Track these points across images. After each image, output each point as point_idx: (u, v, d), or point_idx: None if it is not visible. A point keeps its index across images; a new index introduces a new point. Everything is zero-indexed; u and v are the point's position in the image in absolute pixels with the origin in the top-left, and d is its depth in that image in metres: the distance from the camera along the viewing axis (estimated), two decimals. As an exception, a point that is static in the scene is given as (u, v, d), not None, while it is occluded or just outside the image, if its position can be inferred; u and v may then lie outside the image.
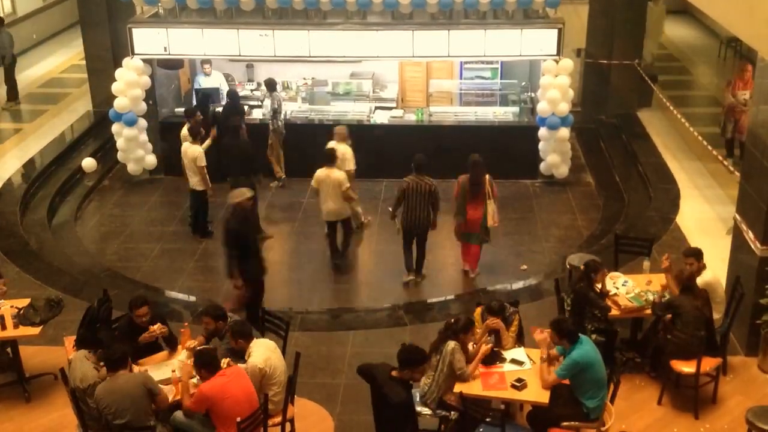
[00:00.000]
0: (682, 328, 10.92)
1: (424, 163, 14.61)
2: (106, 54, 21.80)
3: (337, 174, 15.41)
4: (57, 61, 27.67)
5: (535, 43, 17.82)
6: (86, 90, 23.06)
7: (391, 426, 9.45)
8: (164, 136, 19.17)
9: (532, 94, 19.24)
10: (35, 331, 11.43)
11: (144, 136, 18.81)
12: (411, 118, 19.24)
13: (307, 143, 18.51)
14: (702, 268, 11.60)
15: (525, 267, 15.55)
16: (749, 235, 11.90)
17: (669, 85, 23.42)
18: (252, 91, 20.28)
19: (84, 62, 23.17)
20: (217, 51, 18.54)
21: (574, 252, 14.54)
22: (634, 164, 19.19)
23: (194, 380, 10.18)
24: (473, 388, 10.09)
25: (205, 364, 9.58)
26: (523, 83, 19.89)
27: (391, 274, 15.54)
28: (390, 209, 15.19)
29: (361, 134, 17.70)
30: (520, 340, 11.05)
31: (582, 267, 11.76)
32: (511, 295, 13.67)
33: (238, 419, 9.14)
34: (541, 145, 18.37)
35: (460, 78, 20.16)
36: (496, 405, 10.38)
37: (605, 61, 21.41)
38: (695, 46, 28.62)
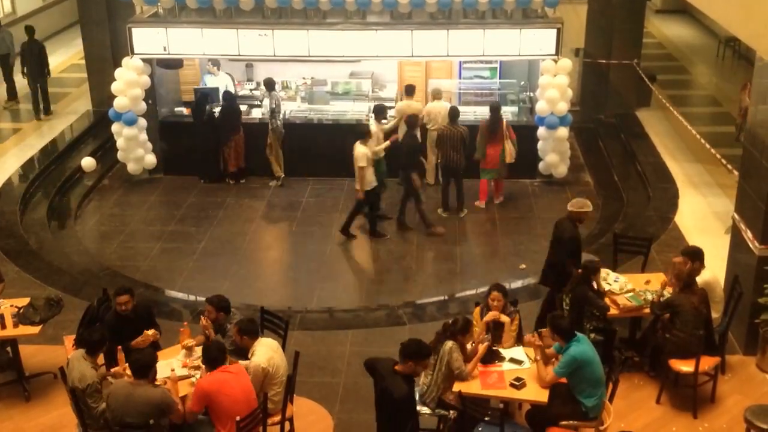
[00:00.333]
0: (681, 327, 10.93)
1: (457, 113, 17.17)
2: (105, 53, 21.82)
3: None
4: (57, 60, 27.63)
5: (534, 42, 17.83)
6: (86, 89, 23.08)
7: (392, 422, 9.41)
8: (164, 135, 19.19)
9: (531, 94, 19.26)
10: (35, 330, 11.44)
11: (144, 136, 18.82)
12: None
13: (306, 143, 18.57)
14: (700, 268, 11.61)
15: (524, 266, 15.57)
16: (748, 235, 11.92)
17: (668, 85, 23.47)
18: (251, 90, 20.31)
19: (84, 62, 23.19)
20: (216, 51, 18.55)
21: (573, 251, 14.55)
22: (633, 164, 19.21)
23: (192, 380, 10.23)
24: (472, 387, 10.11)
25: (211, 359, 9.59)
26: (522, 83, 19.92)
27: (390, 273, 15.58)
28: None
29: (359, 133, 17.67)
30: (519, 339, 11.06)
31: (581, 270, 11.76)
32: (510, 295, 13.67)
33: (237, 418, 9.16)
34: (539, 145, 18.39)
35: (459, 77, 20.18)
36: (494, 404, 10.39)
37: (604, 61, 21.45)
38: (694, 46, 28.65)
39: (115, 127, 18.69)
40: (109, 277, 15.10)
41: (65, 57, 27.96)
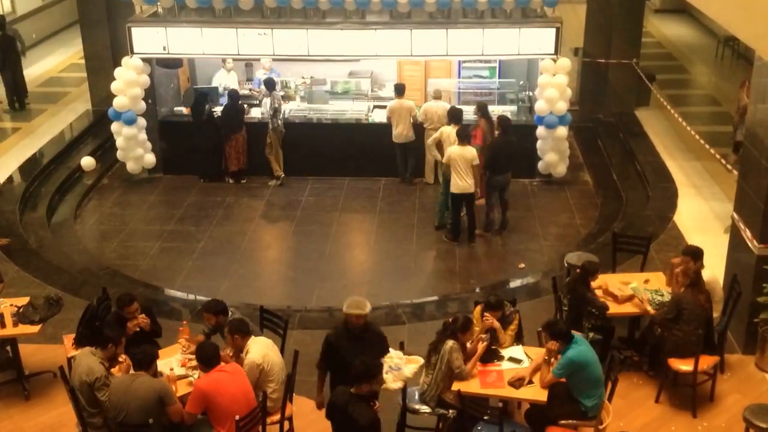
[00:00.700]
0: (682, 326, 10.94)
1: (460, 114, 16.84)
2: (105, 53, 21.84)
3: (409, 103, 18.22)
4: (56, 60, 27.69)
5: (533, 42, 17.84)
6: (85, 89, 23.07)
7: None
8: (163, 134, 19.21)
9: (530, 93, 19.26)
10: (35, 329, 11.45)
11: (143, 135, 18.83)
12: (409, 116, 19.25)
13: (305, 142, 18.58)
14: (700, 267, 11.62)
15: (523, 265, 15.58)
16: (747, 234, 11.93)
17: (667, 84, 23.46)
18: (251, 90, 20.31)
19: (83, 61, 23.18)
20: (216, 50, 18.55)
21: (572, 251, 14.55)
22: (632, 163, 19.22)
23: (191, 379, 10.24)
24: (471, 386, 10.12)
25: (206, 359, 9.60)
26: (521, 82, 19.93)
27: (389, 272, 15.59)
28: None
29: (359, 133, 17.73)
30: (519, 339, 11.06)
31: (578, 269, 11.77)
32: (509, 294, 13.69)
33: (237, 417, 9.16)
34: (539, 144, 18.40)
35: (459, 77, 20.19)
36: (494, 403, 10.40)
37: (603, 60, 21.44)
38: (693, 45, 28.66)
39: (114, 127, 18.70)
40: (109, 276, 15.12)
41: (65, 56, 27.94)
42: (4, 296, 12.06)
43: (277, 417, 10.05)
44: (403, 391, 10.36)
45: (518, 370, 10.38)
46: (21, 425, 11.14)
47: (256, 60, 20.16)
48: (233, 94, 18.67)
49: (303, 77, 20.32)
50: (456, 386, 10.05)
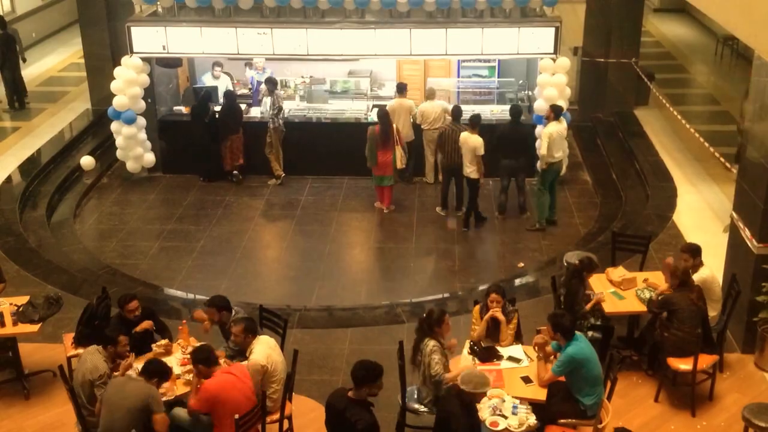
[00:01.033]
0: (678, 326, 10.95)
1: (460, 113, 17.26)
2: (105, 52, 21.83)
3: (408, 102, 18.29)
4: (56, 59, 27.70)
5: (533, 41, 17.86)
6: (85, 88, 23.08)
7: None
8: (163, 134, 19.22)
9: (530, 93, 19.28)
10: (34, 328, 11.46)
11: (143, 134, 18.85)
12: (409, 116, 19.26)
13: (305, 141, 18.59)
14: (698, 265, 11.64)
15: (522, 264, 15.60)
16: (746, 233, 11.94)
17: (666, 84, 23.47)
18: (250, 89, 20.31)
19: (83, 61, 23.20)
20: (215, 49, 18.55)
21: (571, 250, 14.56)
22: (632, 162, 19.22)
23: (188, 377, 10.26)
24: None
25: (202, 359, 9.60)
26: (521, 81, 19.94)
27: (388, 271, 15.60)
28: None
29: (358, 132, 17.72)
30: (518, 338, 11.09)
31: (578, 262, 11.81)
32: (508, 293, 13.69)
33: (236, 416, 9.17)
34: (538, 143, 18.38)
35: (458, 76, 20.21)
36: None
37: (602, 60, 21.45)
38: (692, 45, 28.68)
39: (114, 126, 18.71)
40: (109, 275, 15.12)
41: (65, 56, 27.95)
42: (4, 295, 12.06)
43: (276, 416, 10.06)
44: (402, 390, 10.39)
45: (519, 369, 10.41)
46: (21, 424, 11.15)
47: (254, 59, 20.17)
48: (230, 95, 18.66)
49: (302, 76, 20.32)
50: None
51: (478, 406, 9.46)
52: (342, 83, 20.00)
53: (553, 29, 17.73)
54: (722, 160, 16.15)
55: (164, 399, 9.80)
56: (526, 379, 10.23)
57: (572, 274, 11.70)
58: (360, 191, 18.37)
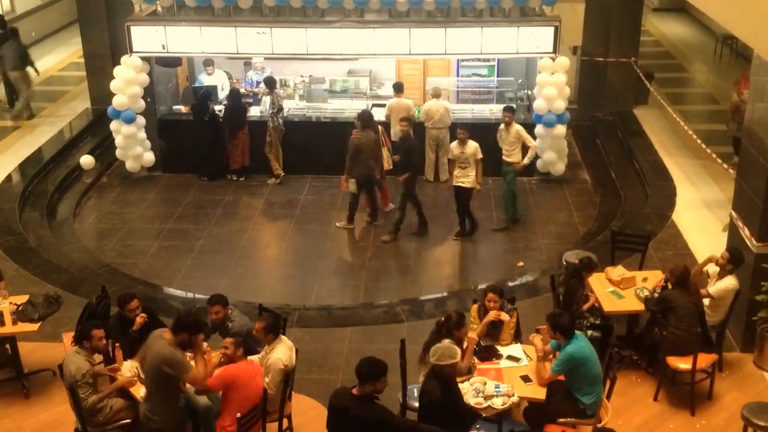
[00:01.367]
0: (676, 324, 10.96)
1: (370, 118, 16.81)
2: (104, 52, 21.81)
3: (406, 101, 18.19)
4: (56, 58, 27.70)
5: (532, 40, 17.87)
6: (85, 87, 23.08)
7: None
8: (162, 133, 19.22)
9: (529, 92, 19.29)
10: (34, 327, 11.47)
11: (142, 134, 18.86)
12: (408, 115, 19.26)
13: (304, 140, 18.60)
14: (733, 271, 11.57)
15: (521, 264, 15.60)
16: (745, 232, 11.95)
17: (665, 83, 23.49)
18: (248, 91, 20.31)
19: (83, 60, 23.19)
20: (215, 49, 18.56)
21: (570, 249, 14.57)
22: (631, 161, 19.23)
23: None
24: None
25: (187, 326, 9.54)
26: (520, 81, 19.95)
27: (387, 270, 15.61)
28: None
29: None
30: (517, 337, 11.10)
31: (577, 261, 11.82)
32: (507, 293, 13.70)
33: (238, 415, 9.21)
34: (537, 143, 18.40)
35: (457, 75, 20.23)
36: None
37: (601, 59, 21.46)
38: (691, 44, 28.69)
39: (113, 125, 18.73)
40: (108, 274, 15.13)
41: (64, 55, 27.95)
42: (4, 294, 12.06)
43: (276, 415, 10.05)
44: (403, 389, 10.40)
45: (518, 368, 10.43)
46: (20, 423, 11.15)
47: (253, 59, 20.18)
48: (235, 93, 18.69)
49: (302, 76, 20.34)
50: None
51: (463, 391, 9.64)
52: (341, 82, 20.01)
53: (552, 28, 17.74)
54: (719, 161, 16.13)
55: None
56: (526, 378, 10.24)
57: (571, 274, 11.72)
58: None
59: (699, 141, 17.21)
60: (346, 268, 16.05)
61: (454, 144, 16.01)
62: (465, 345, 10.31)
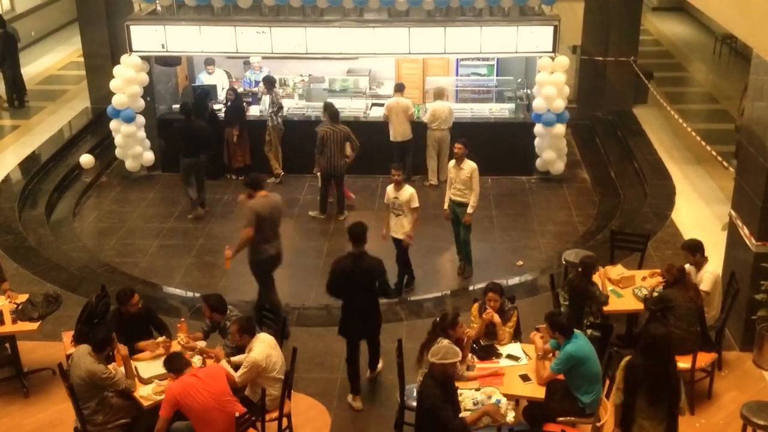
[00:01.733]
0: (676, 323, 10.96)
1: (337, 113, 17.15)
2: (104, 51, 21.86)
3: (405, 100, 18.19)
4: (55, 58, 27.72)
5: (531, 40, 17.88)
6: (84, 87, 23.11)
7: None
8: (162, 132, 19.23)
9: (528, 91, 19.31)
10: (33, 326, 11.48)
11: (142, 133, 18.87)
12: (407, 114, 19.26)
13: (303, 140, 18.57)
14: (701, 262, 11.63)
15: (521, 263, 15.61)
16: (744, 231, 11.95)
17: (664, 82, 23.50)
18: (245, 91, 20.31)
19: (82, 59, 23.23)
20: (214, 48, 18.57)
21: (570, 248, 14.59)
22: (630, 160, 19.25)
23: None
24: (470, 383, 10.13)
25: (174, 369, 9.59)
26: (519, 80, 19.96)
27: (388, 269, 15.52)
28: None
29: (357, 130, 17.75)
30: (517, 336, 11.09)
31: (580, 266, 11.77)
32: (507, 291, 13.70)
33: (237, 414, 9.20)
34: (536, 142, 18.44)
35: (456, 75, 20.24)
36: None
37: (601, 58, 21.49)
38: (690, 43, 28.70)
39: (113, 124, 18.74)
40: (108, 273, 15.13)
41: (64, 54, 27.96)
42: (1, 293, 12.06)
43: (275, 414, 10.06)
44: (401, 388, 10.40)
45: (518, 367, 10.43)
46: (20, 422, 11.16)
47: (251, 59, 20.18)
48: (233, 93, 18.69)
49: (301, 75, 20.36)
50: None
51: (462, 399, 9.54)
52: (341, 82, 20.01)
53: (551, 28, 17.76)
54: (719, 159, 16.14)
55: (162, 396, 9.90)
56: (525, 377, 10.24)
57: (578, 275, 11.65)
58: (359, 189, 18.36)
59: (699, 139, 17.22)
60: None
61: (390, 188, 14.34)
62: (465, 343, 10.35)
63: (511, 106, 19.37)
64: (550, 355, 10.22)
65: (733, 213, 12.47)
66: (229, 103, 18.67)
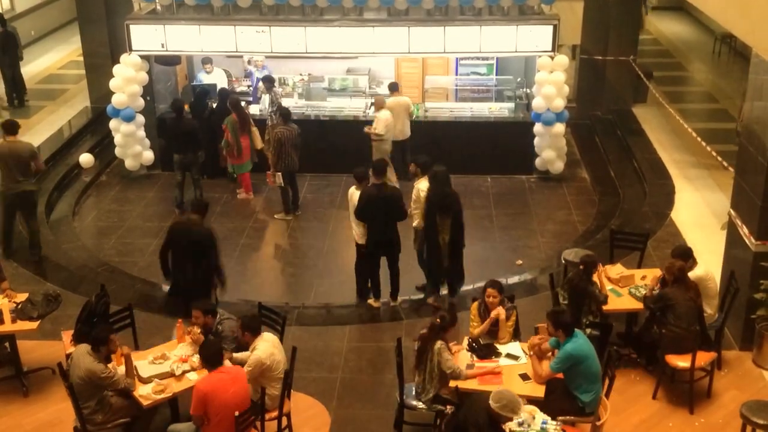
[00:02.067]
0: (675, 322, 10.98)
1: (288, 113, 17.18)
2: (103, 50, 21.83)
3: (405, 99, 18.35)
4: (55, 57, 27.70)
5: (531, 39, 17.88)
6: (84, 86, 23.09)
7: None
8: (162, 132, 19.21)
9: (528, 90, 19.31)
10: (33, 325, 11.47)
11: (141, 132, 18.87)
12: (407, 113, 19.25)
13: (303, 138, 18.56)
14: (693, 264, 11.66)
15: (520, 262, 15.61)
16: (744, 230, 11.96)
17: (664, 81, 23.51)
18: (249, 86, 20.33)
19: (82, 58, 23.23)
20: (214, 47, 18.56)
21: (569, 247, 14.60)
22: (630, 160, 19.25)
23: (189, 375, 10.28)
24: (469, 382, 10.15)
25: (207, 356, 9.60)
26: (519, 79, 19.96)
27: (387, 268, 15.60)
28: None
29: (356, 130, 17.77)
30: (516, 335, 11.11)
31: (581, 265, 11.78)
32: (506, 290, 13.69)
33: (236, 413, 9.20)
34: (536, 141, 18.44)
35: (456, 74, 20.24)
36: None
37: (600, 57, 21.49)
38: (690, 43, 28.70)
39: (113, 124, 18.74)
40: (107, 272, 15.13)
41: (64, 54, 27.95)
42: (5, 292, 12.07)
43: (275, 413, 10.06)
44: (400, 387, 10.41)
45: (517, 366, 10.45)
46: (20, 421, 11.16)
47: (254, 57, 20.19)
48: (223, 93, 18.63)
49: (301, 74, 20.35)
50: (454, 383, 10.07)
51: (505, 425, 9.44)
52: (340, 81, 20.01)
53: (551, 27, 17.75)
54: (719, 158, 16.14)
55: (162, 396, 9.92)
56: (524, 376, 10.26)
57: (578, 274, 11.67)
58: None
59: (699, 139, 17.22)
60: (345, 266, 16.02)
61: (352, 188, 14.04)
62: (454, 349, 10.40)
63: (511, 105, 19.36)
64: (549, 354, 10.23)
65: (732, 212, 12.48)
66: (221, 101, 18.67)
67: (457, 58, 19.90)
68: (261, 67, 20.06)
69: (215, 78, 19.92)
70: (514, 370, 10.39)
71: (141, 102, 18.58)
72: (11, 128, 14.87)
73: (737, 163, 12.60)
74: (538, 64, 17.98)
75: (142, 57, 18.42)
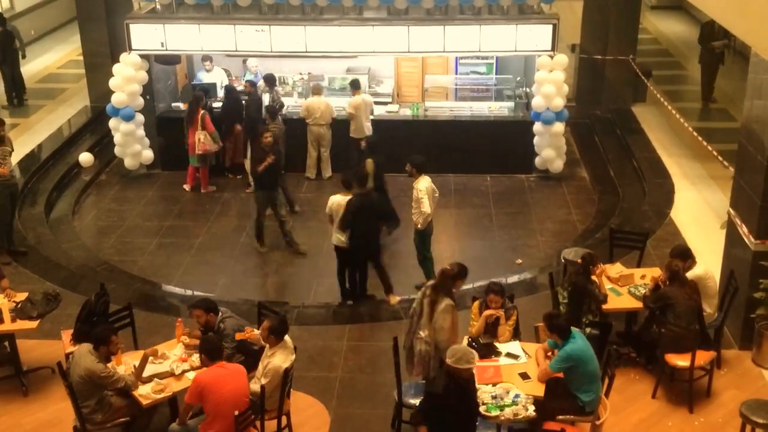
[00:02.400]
0: (675, 321, 10.98)
1: (275, 111, 17.76)
2: (103, 49, 21.81)
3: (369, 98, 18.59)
4: (55, 56, 27.69)
5: (530, 38, 17.87)
6: (84, 85, 23.08)
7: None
8: (161, 131, 19.22)
9: (527, 89, 19.30)
10: (33, 324, 11.47)
11: (141, 131, 18.85)
12: (406, 113, 19.26)
13: (303, 138, 18.59)
14: (692, 264, 11.67)
15: (520, 261, 15.61)
16: (743, 230, 11.96)
17: (663, 80, 23.48)
18: (245, 86, 20.29)
19: (82, 58, 23.21)
20: (213, 46, 18.55)
21: (569, 246, 14.61)
22: (629, 159, 19.25)
23: (188, 374, 10.28)
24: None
25: (208, 350, 9.61)
26: (518, 78, 19.95)
27: (387, 268, 15.58)
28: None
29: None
30: (516, 334, 11.11)
31: (579, 260, 11.80)
32: (506, 290, 13.70)
33: (236, 413, 9.20)
34: (536, 140, 18.44)
35: (456, 73, 20.23)
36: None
37: (600, 57, 21.49)
38: (689, 42, 28.62)
39: (112, 123, 18.72)
40: (107, 272, 15.13)
41: (63, 53, 27.93)
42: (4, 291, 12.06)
43: (274, 413, 10.06)
44: (398, 386, 10.41)
45: (517, 366, 10.45)
46: (19, 420, 11.16)
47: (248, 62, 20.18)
48: (230, 90, 18.69)
49: (300, 73, 20.35)
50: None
51: (480, 394, 9.54)
52: (340, 80, 20.00)
53: (550, 26, 17.75)
54: (720, 158, 16.14)
55: (162, 395, 9.93)
56: (524, 376, 10.26)
57: (577, 272, 11.67)
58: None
59: (699, 138, 17.22)
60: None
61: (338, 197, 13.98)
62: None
63: (511, 104, 19.36)
64: (549, 353, 10.24)
65: (731, 211, 12.48)
66: (226, 99, 18.70)
67: (456, 58, 19.88)
68: (255, 74, 19.99)
69: (215, 77, 19.92)
70: (514, 369, 10.39)
71: (141, 101, 18.56)
72: None
73: (737, 162, 12.61)
74: (538, 64, 17.99)
75: (142, 56, 18.41)
